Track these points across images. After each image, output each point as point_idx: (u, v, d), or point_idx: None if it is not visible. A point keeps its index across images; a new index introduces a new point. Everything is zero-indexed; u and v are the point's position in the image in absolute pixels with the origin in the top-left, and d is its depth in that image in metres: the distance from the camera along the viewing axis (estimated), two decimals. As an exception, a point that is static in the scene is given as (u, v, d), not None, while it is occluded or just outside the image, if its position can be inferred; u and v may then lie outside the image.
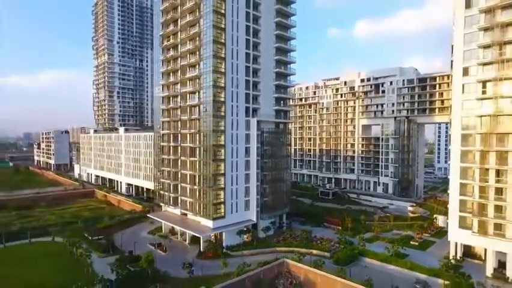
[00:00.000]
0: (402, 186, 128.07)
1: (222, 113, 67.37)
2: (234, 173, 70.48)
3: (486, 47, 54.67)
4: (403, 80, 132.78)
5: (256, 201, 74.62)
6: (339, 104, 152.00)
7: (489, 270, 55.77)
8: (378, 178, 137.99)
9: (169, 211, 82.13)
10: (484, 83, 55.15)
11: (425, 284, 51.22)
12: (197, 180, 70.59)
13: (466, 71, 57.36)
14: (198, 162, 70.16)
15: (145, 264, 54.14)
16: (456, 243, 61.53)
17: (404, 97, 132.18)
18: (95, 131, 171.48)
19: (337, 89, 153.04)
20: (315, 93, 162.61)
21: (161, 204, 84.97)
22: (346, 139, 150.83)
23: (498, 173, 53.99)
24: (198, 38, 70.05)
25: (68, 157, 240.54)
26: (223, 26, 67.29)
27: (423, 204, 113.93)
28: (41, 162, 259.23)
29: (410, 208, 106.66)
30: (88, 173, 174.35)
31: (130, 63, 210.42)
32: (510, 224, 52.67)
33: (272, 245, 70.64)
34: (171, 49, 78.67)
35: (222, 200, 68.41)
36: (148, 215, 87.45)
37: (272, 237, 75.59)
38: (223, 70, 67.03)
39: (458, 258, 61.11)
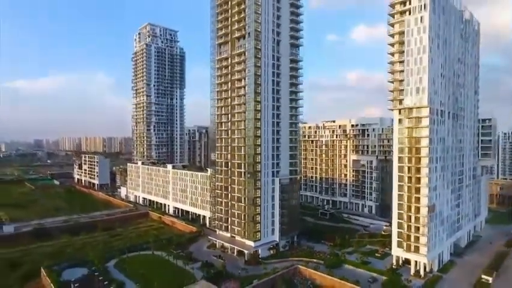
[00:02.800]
0: (382, 208, 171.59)
1: (259, 178, 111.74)
2: (265, 212, 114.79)
3: (410, 138, 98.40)
4: (382, 128, 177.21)
5: (278, 228, 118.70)
6: (335, 142, 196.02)
7: (412, 271, 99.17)
8: (365, 201, 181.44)
9: (220, 233, 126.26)
10: (409, 158, 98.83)
11: (374, 279, 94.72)
12: (243, 216, 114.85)
13: (401, 150, 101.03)
14: (243, 206, 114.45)
15: (221, 268, 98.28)
16: (397, 256, 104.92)
17: (383, 141, 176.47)
18: (143, 163, 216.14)
19: (333, 131, 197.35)
20: (316, 132, 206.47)
21: (216, 229, 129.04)
22: (340, 170, 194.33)
23: (415, 218, 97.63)
24: (243, 126, 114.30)
25: (108, 178, 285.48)
26: (259, 125, 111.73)
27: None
28: (83, 181, 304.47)
29: (384, 227, 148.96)
30: (136, 195, 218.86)
31: (163, 102, 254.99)
32: (421, 246, 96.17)
33: (289, 256, 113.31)
34: (223, 132, 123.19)
35: (259, 229, 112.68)
36: (208, 236, 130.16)
37: (288, 251, 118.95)
38: (259, 152, 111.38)
39: (400, 264, 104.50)
